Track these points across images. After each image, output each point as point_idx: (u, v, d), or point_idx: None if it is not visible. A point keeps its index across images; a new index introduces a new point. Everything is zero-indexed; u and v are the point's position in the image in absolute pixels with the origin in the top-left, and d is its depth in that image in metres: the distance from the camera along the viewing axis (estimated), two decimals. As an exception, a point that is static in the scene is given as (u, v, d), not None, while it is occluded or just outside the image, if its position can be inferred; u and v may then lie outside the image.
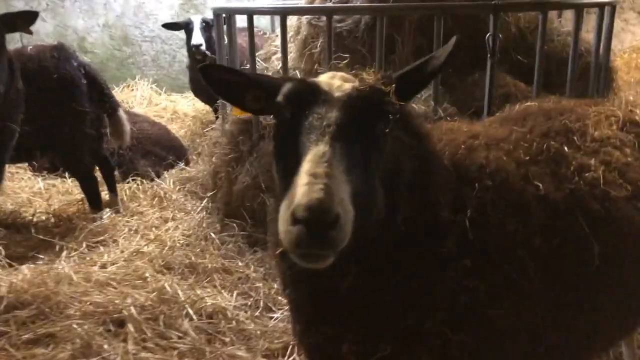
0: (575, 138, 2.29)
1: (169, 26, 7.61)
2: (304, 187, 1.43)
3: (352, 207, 1.48)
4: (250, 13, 4.85)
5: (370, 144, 1.66)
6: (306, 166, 1.49)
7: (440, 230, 1.84)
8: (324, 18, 4.91)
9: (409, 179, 1.80)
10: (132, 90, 9.61)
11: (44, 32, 9.09)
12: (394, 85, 1.75)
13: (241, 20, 5.34)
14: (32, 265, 4.24)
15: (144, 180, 6.14)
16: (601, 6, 5.02)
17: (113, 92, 8.80)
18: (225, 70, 2.06)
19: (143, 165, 6.37)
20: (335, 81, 1.74)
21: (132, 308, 3.62)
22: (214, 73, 1.95)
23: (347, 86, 1.71)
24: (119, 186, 5.89)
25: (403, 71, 1.89)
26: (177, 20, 7.92)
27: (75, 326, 3.46)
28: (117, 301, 3.71)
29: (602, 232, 2.04)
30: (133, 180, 6.14)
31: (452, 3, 4.61)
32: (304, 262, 1.50)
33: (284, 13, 4.68)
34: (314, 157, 1.51)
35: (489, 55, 4.17)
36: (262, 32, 7.72)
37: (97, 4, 9.60)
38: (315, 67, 5.17)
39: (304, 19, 5.30)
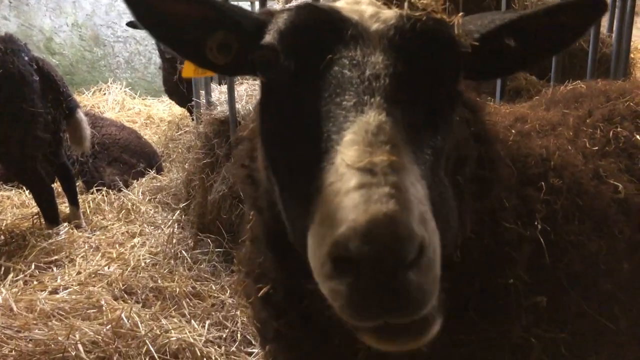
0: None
1: (134, 24, 6.79)
2: (355, 194, 0.78)
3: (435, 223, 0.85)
4: None
5: (438, 111, 1.03)
6: (350, 152, 0.84)
7: (507, 251, 1.22)
8: None
9: (472, 176, 1.20)
10: (104, 94, 8.93)
11: (6, 31, 8.39)
12: (461, 16, 1.11)
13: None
14: (-34, 293, 3.57)
15: (109, 191, 5.51)
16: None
17: (83, 96, 8.19)
18: None
19: (109, 174, 5.71)
20: (365, 7, 1.09)
21: (79, 346, 2.97)
22: (153, 2, 1.14)
23: (390, 14, 1.06)
24: (81, 198, 5.25)
25: (496, 23, 1.18)
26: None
27: (6, 371, 2.81)
28: (61, 338, 3.03)
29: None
30: (97, 190, 5.51)
31: None
32: (382, 342, 0.87)
33: None
34: (363, 135, 0.86)
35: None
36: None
37: (65, 1, 8.91)
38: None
39: None
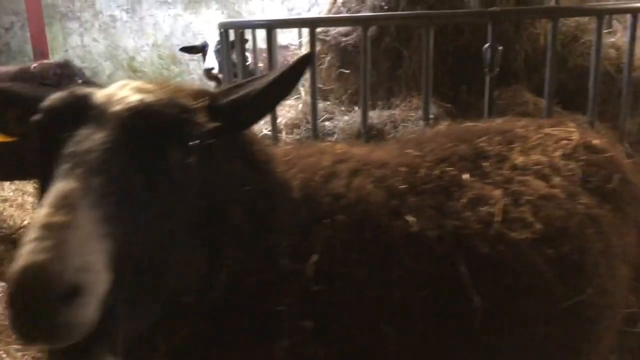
0: (487, 164, 1.86)
1: (187, 50, 7.15)
2: (27, 245, 1.02)
3: (110, 270, 1.06)
4: (269, 27, 4.49)
5: (162, 178, 1.25)
6: (40, 212, 1.08)
7: (279, 283, 1.47)
8: (332, 32, 4.68)
9: (240, 222, 1.43)
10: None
11: (96, 52, 9.41)
12: (206, 100, 1.39)
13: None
14: None
15: None
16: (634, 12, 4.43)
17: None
18: None
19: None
20: (121, 92, 1.34)
21: None
22: None
23: (134, 98, 1.30)
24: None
25: (235, 95, 1.44)
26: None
27: None
28: None
29: (489, 283, 1.60)
30: None
31: (444, 12, 4.17)
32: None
33: (269, 26, 4.38)
34: (51, 200, 1.08)
35: (486, 70, 3.69)
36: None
37: (147, 24, 9.82)
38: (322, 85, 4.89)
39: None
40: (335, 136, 4.10)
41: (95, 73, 9.11)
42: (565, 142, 2.07)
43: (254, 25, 4.79)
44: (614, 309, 1.88)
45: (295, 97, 4.82)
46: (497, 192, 1.75)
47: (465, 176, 1.80)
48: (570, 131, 2.13)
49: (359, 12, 4.81)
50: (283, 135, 4.25)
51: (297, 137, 4.18)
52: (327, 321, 1.49)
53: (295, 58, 1.50)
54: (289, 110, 4.42)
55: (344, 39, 4.68)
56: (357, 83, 4.73)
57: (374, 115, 3.98)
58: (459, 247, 1.62)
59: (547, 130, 2.13)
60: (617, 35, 4.95)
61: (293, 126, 4.27)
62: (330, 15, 4.87)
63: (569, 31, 4.93)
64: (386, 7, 4.50)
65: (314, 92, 3.82)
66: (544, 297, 1.66)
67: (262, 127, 4.19)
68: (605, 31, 5.47)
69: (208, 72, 6.63)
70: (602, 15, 4.22)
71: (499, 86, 4.43)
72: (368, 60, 3.73)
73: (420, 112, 4.01)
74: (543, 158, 1.93)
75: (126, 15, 9.77)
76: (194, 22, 9.09)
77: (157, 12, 9.69)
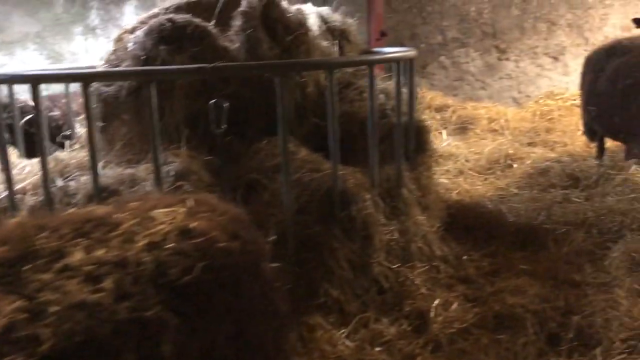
0: (28, 268, 1.66)
1: None
2: None
3: None
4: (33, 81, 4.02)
5: None
6: None
7: None
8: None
9: None
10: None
11: None
12: None
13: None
14: None
15: None
16: (394, 61, 4.56)
17: None
18: None
19: None
20: None
21: None
22: None
23: None
24: None
25: None
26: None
27: None
28: None
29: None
30: None
31: (166, 68, 4.02)
32: None
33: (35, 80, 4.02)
34: None
35: (214, 126, 3.56)
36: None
37: None
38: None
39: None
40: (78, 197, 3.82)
41: None
42: (160, 227, 1.91)
43: (14, 80, 4.44)
44: None
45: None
46: (13, 305, 1.53)
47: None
48: (175, 213, 1.98)
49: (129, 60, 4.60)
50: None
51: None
52: None
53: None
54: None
55: (104, 89, 4.44)
56: (123, 135, 4.52)
57: (114, 174, 3.74)
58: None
59: (152, 213, 1.98)
60: (387, 82, 5.04)
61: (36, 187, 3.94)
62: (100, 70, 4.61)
63: (344, 77, 4.95)
64: (144, 57, 4.30)
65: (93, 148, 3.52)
66: None
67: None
68: (387, 75, 5.62)
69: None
70: (373, 64, 4.29)
71: (270, 134, 4.35)
72: (92, 117, 3.52)
73: (169, 167, 3.81)
74: (111, 253, 1.76)
75: None
76: (8, 64, 8.46)
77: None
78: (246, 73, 4.00)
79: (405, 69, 4.83)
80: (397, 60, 4.51)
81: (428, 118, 9.23)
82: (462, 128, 9.02)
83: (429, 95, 9.80)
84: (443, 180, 6.62)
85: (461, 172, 6.97)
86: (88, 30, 8.53)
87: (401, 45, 9.98)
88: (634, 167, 5.99)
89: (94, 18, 8.56)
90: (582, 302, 3.69)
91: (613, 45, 5.91)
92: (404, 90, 4.53)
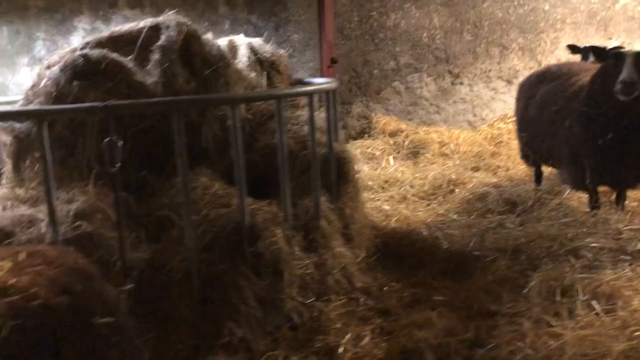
0: None
1: None
2: None
3: None
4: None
5: None
6: None
7: None
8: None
9: None
10: None
11: None
12: None
13: None
14: None
15: None
16: (307, 95, 4.56)
17: None
18: None
19: None
20: None
21: None
22: None
23: None
24: None
25: None
26: None
27: None
28: None
29: None
30: None
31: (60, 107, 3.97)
32: None
33: None
34: None
35: (107, 165, 3.49)
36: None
37: None
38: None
39: None
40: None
41: None
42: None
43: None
44: None
45: None
46: None
47: None
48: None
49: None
50: None
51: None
52: None
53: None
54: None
55: (17, 125, 4.38)
56: (35, 173, 4.45)
57: (12, 215, 3.66)
58: None
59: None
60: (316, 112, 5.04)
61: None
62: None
63: (267, 109, 4.94)
64: (55, 94, 4.25)
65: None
66: None
67: None
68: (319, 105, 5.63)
69: None
70: (282, 99, 4.28)
71: (193, 168, 4.31)
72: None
73: (71, 206, 3.74)
74: None
75: None
76: None
77: None
78: (142, 110, 3.96)
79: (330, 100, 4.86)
80: (309, 94, 4.50)
81: (381, 143, 9.35)
82: (414, 152, 9.05)
83: (382, 120, 9.87)
84: (385, 206, 6.62)
85: (404, 198, 6.97)
86: (34, 61, 8.46)
87: (354, 71, 10.07)
88: (568, 191, 6.03)
89: (39, 49, 8.51)
90: (492, 334, 3.66)
91: (543, 71, 5.99)
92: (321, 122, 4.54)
